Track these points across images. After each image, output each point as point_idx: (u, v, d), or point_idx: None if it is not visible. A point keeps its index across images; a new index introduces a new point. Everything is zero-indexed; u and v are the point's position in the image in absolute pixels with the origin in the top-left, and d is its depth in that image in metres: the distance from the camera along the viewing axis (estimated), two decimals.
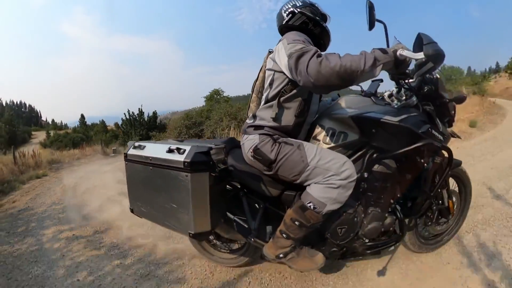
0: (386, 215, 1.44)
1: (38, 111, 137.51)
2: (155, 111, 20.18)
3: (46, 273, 1.96)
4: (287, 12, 1.44)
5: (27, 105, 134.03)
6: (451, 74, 24.83)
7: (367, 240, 1.44)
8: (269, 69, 1.41)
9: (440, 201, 1.65)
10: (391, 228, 1.49)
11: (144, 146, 1.44)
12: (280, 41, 1.34)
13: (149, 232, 2.44)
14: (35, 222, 3.06)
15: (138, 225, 2.56)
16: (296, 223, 1.28)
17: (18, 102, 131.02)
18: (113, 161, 8.07)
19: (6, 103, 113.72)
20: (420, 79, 1.39)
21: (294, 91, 1.35)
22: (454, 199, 1.71)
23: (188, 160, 1.22)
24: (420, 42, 1.20)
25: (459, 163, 1.71)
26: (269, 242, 1.41)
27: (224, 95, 21.83)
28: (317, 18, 1.44)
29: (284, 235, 1.33)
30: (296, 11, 1.43)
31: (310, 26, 1.43)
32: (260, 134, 1.38)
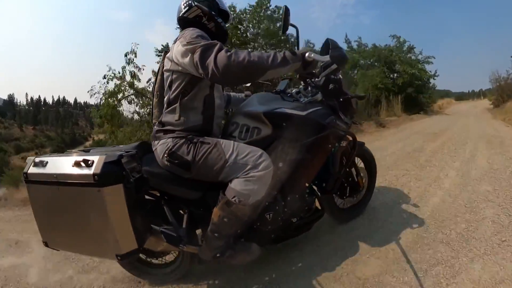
0: (306, 195, 1.59)
1: None
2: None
3: None
4: (185, 5, 1.43)
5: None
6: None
7: (294, 220, 1.57)
8: (166, 70, 1.39)
9: (350, 179, 1.89)
10: (313, 206, 1.65)
11: (47, 162, 1.26)
12: (177, 39, 1.32)
13: None
14: None
15: None
16: (225, 219, 1.29)
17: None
18: None
19: None
20: (325, 78, 1.56)
21: (195, 89, 1.35)
22: (362, 175, 1.98)
23: (98, 173, 1.11)
24: (327, 47, 1.37)
25: (362, 144, 1.99)
26: (202, 245, 1.39)
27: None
28: (212, 13, 1.44)
29: (215, 235, 1.33)
30: (193, 4, 1.41)
31: (204, 21, 1.43)
32: (172, 137, 1.35)
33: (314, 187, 1.68)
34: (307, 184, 1.59)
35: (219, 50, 1.15)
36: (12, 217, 3.35)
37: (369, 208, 2.20)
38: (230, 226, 1.32)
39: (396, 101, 10.46)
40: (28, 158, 1.36)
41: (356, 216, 2.09)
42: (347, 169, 1.84)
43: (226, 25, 1.53)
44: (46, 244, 1.39)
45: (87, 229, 1.26)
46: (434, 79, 13.11)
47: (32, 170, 1.27)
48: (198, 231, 1.52)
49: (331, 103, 1.59)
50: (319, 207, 1.72)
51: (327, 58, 1.27)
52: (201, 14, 1.42)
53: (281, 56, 1.19)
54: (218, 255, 1.37)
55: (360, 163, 2.09)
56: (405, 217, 2.09)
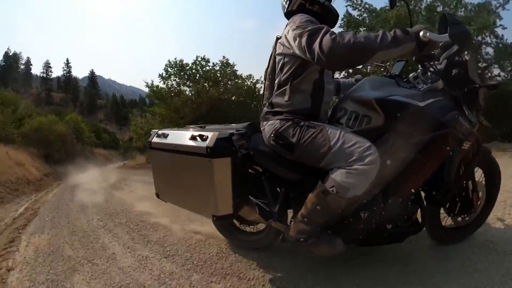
0: (409, 202, 1.41)
1: None
2: None
3: None
4: (285, 0, 1.46)
5: None
6: None
7: (389, 227, 1.42)
8: (279, 54, 1.43)
9: (464, 193, 1.58)
10: (413, 217, 1.46)
11: (167, 134, 1.53)
12: (287, 25, 1.35)
13: None
14: None
15: None
16: (318, 207, 1.28)
17: None
18: None
19: None
20: (447, 62, 1.31)
21: (305, 72, 1.35)
22: (479, 192, 1.61)
23: (211, 146, 1.29)
24: (445, 23, 1.18)
25: (488, 151, 1.62)
26: (290, 226, 1.43)
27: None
28: None
29: (305, 219, 1.33)
30: None
31: (308, 6, 1.41)
32: (280, 119, 1.39)
33: (422, 195, 1.47)
34: (413, 190, 1.39)
35: (325, 33, 1.14)
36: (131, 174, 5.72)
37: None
38: (321, 215, 1.30)
39: None
40: (153, 130, 1.67)
41: (459, 241, 1.69)
42: (464, 181, 1.54)
43: (332, 3, 1.46)
44: (157, 196, 1.72)
45: (193, 190, 1.49)
46: None
47: (155, 140, 1.58)
48: (290, 212, 1.55)
49: (455, 93, 1.32)
50: (419, 220, 1.49)
51: (446, 37, 1.11)
52: (303, 1, 1.41)
53: (391, 35, 1.10)
54: (301, 239, 1.38)
55: (479, 177, 1.68)
56: None
